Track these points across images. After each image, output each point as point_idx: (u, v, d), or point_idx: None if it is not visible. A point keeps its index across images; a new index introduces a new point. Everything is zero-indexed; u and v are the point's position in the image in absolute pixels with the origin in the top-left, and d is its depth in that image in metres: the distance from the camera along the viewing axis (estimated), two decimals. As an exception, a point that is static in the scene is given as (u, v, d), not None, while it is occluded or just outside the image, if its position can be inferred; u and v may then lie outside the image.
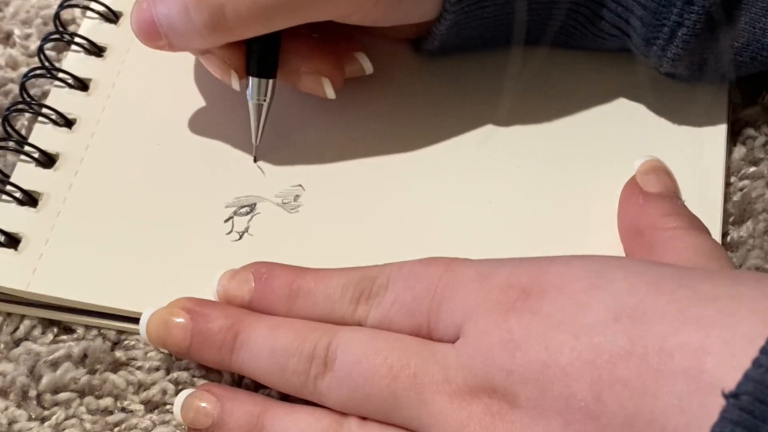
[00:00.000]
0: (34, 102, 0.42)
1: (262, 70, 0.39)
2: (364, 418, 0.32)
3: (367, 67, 0.41)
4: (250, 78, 0.39)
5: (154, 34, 0.37)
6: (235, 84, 0.39)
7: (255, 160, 0.40)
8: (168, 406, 0.36)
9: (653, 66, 0.39)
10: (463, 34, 0.40)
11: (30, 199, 0.39)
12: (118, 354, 0.37)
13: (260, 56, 0.39)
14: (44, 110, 0.41)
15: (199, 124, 0.41)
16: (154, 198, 0.39)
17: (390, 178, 0.40)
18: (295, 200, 0.39)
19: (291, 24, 0.37)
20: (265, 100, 0.39)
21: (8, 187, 0.39)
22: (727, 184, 0.39)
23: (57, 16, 0.44)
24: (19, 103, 0.42)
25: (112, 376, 0.36)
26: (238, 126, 0.41)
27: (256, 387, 0.35)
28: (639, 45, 0.39)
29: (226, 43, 0.37)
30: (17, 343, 0.37)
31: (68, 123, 0.42)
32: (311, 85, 0.40)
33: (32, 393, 0.36)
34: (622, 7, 0.38)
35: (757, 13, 0.37)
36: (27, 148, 0.40)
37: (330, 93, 0.40)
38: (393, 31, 0.41)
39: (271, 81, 0.39)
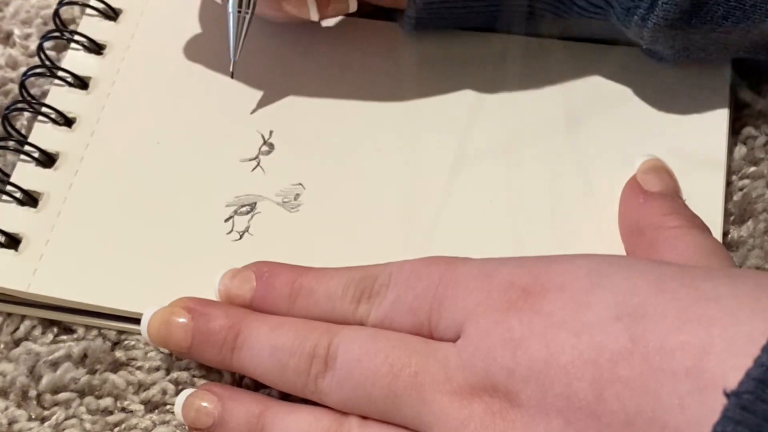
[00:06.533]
0: (34, 101, 0.42)
1: None
2: (365, 418, 0.32)
3: (353, 5, 0.40)
4: None
5: None
6: None
7: (232, 76, 0.40)
8: (168, 406, 0.36)
9: (635, 38, 0.39)
10: (447, 10, 0.40)
11: (30, 199, 0.39)
12: (118, 354, 0.37)
13: None
14: (44, 109, 0.41)
15: (200, 122, 0.41)
16: (154, 197, 0.39)
17: (390, 177, 0.40)
18: (295, 199, 0.39)
19: None
20: (247, 13, 0.38)
21: (8, 187, 0.39)
22: (728, 184, 0.39)
23: (56, 13, 0.44)
24: (19, 102, 0.42)
25: (112, 376, 0.36)
26: (237, 124, 0.41)
27: (257, 387, 0.35)
28: (620, 15, 0.38)
29: None
30: (17, 343, 0.37)
31: (68, 122, 0.41)
32: (295, 4, 0.39)
33: (32, 393, 0.36)
34: None
35: None
36: (27, 147, 0.40)
37: (314, 14, 0.39)
38: None
39: None
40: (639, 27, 0.37)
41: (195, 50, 0.43)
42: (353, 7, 0.40)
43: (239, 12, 0.39)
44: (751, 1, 0.36)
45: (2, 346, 0.37)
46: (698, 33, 0.37)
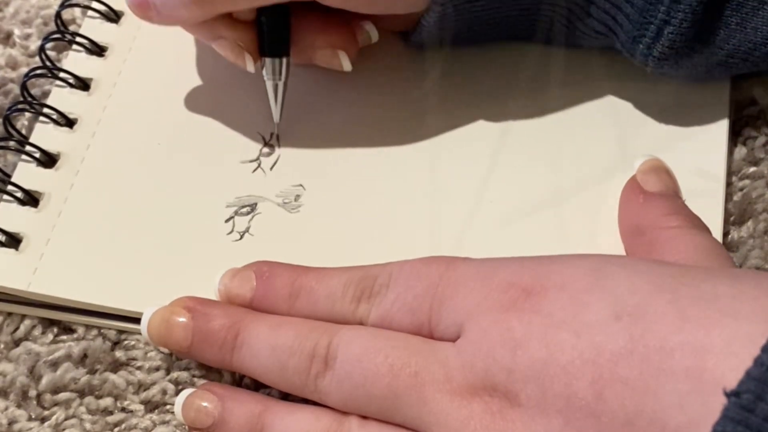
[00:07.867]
0: (35, 102, 0.42)
1: (275, 49, 0.39)
2: (365, 417, 0.32)
3: (374, 35, 0.41)
4: (265, 58, 0.39)
5: (143, 4, 0.38)
6: (250, 66, 0.39)
7: (278, 141, 0.40)
8: (168, 406, 0.36)
9: (640, 65, 0.39)
10: (452, 28, 0.40)
11: (31, 198, 0.39)
12: (118, 354, 0.37)
13: (271, 35, 0.39)
14: (45, 110, 0.42)
15: (200, 123, 0.41)
16: (155, 198, 0.39)
17: (390, 177, 0.40)
18: (295, 200, 0.39)
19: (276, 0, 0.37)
20: (280, 79, 0.39)
21: (9, 187, 0.39)
22: (728, 184, 0.39)
23: (58, 15, 0.44)
24: (20, 102, 0.42)
25: (112, 376, 0.36)
26: (239, 125, 0.41)
27: (257, 387, 0.35)
28: (626, 43, 0.38)
29: (212, 15, 0.38)
30: (17, 343, 0.37)
31: (69, 122, 0.42)
32: (327, 59, 0.40)
33: (32, 393, 0.36)
34: (611, 4, 0.38)
35: (747, 12, 0.37)
36: (28, 147, 0.40)
37: (346, 65, 0.40)
38: (382, 22, 0.41)
39: (285, 59, 0.39)
40: (644, 56, 0.38)
41: (196, 52, 0.43)
42: (375, 37, 0.41)
43: (273, 79, 0.39)
44: (752, 24, 0.36)
45: (2, 346, 0.37)
46: (701, 57, 0.38)
